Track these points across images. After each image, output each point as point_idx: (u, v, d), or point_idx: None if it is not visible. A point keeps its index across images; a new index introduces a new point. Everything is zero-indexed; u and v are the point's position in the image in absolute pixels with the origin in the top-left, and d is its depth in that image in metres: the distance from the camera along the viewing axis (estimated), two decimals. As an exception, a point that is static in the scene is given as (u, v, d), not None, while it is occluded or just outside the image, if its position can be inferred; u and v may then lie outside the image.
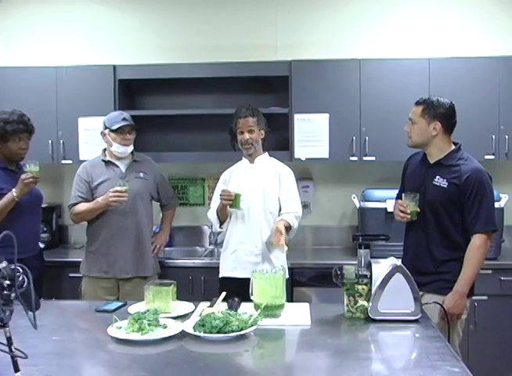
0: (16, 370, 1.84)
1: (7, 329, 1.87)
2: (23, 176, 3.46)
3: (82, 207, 3.72)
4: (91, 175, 3.77)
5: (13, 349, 1.85)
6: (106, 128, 3.75)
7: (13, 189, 3.47)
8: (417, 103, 3.16)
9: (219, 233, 4.64)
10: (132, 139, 3.79)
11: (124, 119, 3.75)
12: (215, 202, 3.65)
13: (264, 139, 3.72)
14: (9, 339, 1.86)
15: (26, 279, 1.96)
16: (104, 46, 4.91)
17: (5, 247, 1.90)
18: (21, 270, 1.96)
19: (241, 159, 3.76)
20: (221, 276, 3.69)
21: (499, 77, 4.22)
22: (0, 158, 3.63)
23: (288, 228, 3.46)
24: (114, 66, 4.52)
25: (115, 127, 3.70)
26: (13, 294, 1.92)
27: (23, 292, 1.94)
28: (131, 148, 3.79)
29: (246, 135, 3.61)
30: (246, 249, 3.60)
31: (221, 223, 3.70)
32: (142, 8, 4.88)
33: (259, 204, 3.60)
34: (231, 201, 3.48)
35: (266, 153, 3.76)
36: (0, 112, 3.63)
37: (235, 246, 3.64)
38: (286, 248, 3.37)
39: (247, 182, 3.64)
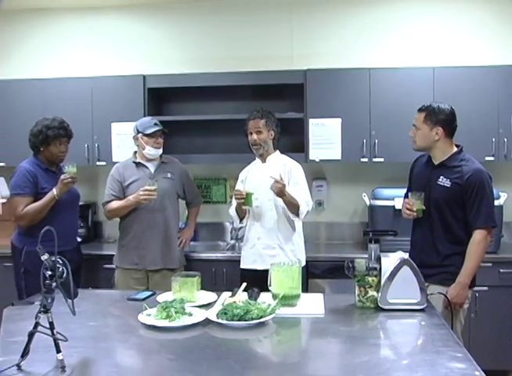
0: (58, 351, 1.88)
1: (49, 315, 1.91)
2: (62, 177, 3.50)
3: (115, 204, 3.75)
4: (123, 176, 3.79)
5: (55, 333, 1.90)
6: (138, 132, 3.76)
7: (54, 189, 3.52)
8: (420, 110, 3.15)
9: (240, 228, 4.66)
10: (162, 143, 3.81)
11: (156, 124, 3.77)
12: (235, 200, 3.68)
13: (275, 139, 3.71)
14: (51, 324, 1.90)
15: (65, 270, 2.00)
16: (134, 58, 4.93)
17: (47, 241, 1.95)
18: (61, 262, 2.00)
19: (255, 159, 3.78)
20: (241, 267, 3.72)
21: (497, 85, 4.19)
22: (42, 160, 3.68)
23: (296, 207, 3.50)
24: (144, 76, 4.56)
25: (148, 131, 3.72)
26: (54, 284, 1.96)
27: (63, 282, 1.98)
28: (161, 150, 3.82)
29: (254, 136, 3.63)
30: (264, 244, 3.61)
31: (241, 219, 3.73)
32: (169, 23, 4.92)
33: (271, 201, 3.60)
34: (243, 200, 3.50)
35: (277, 152, 3.76)
36: (43, 119, 3.68)
37: (253, 241, 3.66)
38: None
39: (260, 181, 3.64)
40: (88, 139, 4.54)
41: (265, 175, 3.64)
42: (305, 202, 3.57)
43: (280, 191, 3.43)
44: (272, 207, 3.61)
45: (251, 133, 3.64)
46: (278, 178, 3.42)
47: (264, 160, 3.72)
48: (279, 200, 3.55)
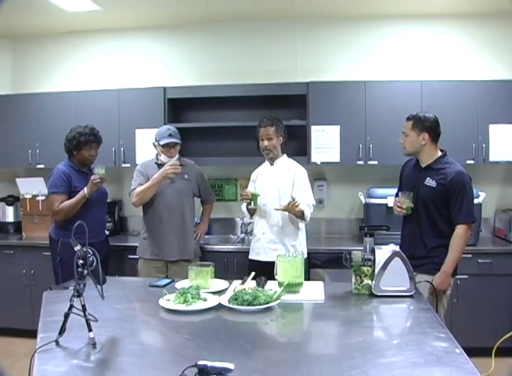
0: (90, 330, 1.92)
1: (82, 298, 1.94)
2: (92, 177, 3.52)
3: (141, 187, 3.66)
4: (146, 172, 3.76)
5: (87, 314, 1.93)
6: (156, 140, 3.77)
7: (85, 188, 3.55)
8: (408, 119, 3.15)
9: (249, 223, 4.67)
10: (176, 152, 3.76)
11: (170, 135, 3.70)
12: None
13: (283, 143, 3.69)
14: (83, 306, 1.93)
15: (95, 259, 2.03)
16: (156, 72, 4.96)
17: (79, 234, 1.98)
18: (91, 252, 2.03)
19: (265, 161, 3.78)
20: (249, 258, 3.72)
21: (477, 97, 4.18)
22: (75, 163, 3.71)
23: (301, 214, 3.47)
24: (164, 88, 4.58)
25: (161, 143, 3.70)
26: (85, 271, 1.99)
27: (93, 270, 2.02)
28: (175, 158, 3.77)
29: (266, 142, 3.61)
30: (268, 238, 3.61)
31: (251, 215, 3.72)
32: (186, 42, 4.94)
33: (276, 201, 3.58)
34: (249, 200, 3.50)
35: (285, 155, 3.73)
36: (76, 126, 3.71)
37: (259, 235, 3.65)
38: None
39: (267, 183, 3.64)
40: (114, 144, 4.56)
41: (273, 177, 3.65)
42: (308, 205, 3.52)
43: (294, 212, 3.44)
44: (276, 206, 3.57)
45: (262, 140, 3.62)
46: (288, 204, 3.42)
47: (272, 164, 3.71)
48: (284, 200, 3.53)
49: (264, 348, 2.00)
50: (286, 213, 3.55)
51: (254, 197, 3.50)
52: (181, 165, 3.84)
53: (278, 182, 3.62)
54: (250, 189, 3.68)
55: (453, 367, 1.72)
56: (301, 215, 3.50)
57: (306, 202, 3.53)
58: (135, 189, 3.72)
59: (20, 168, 5.06)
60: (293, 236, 3.62)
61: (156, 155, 3.87)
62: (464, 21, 4.60)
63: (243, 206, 3.75)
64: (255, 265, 3.55)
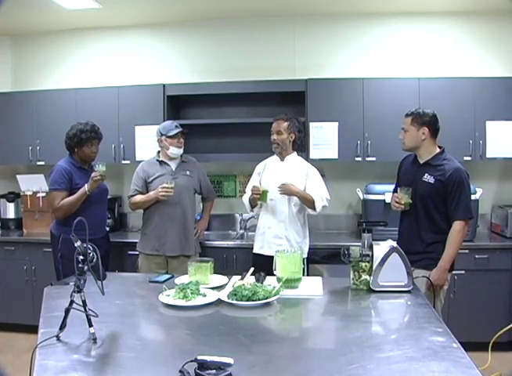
0: (90, 325, 1.91)
1: (82, 294, 1.94)
2: (92, 174, 3.52)
3: (138, 198, 3.76)
4: (147, 173, 3.78)
5: (87, 309, 1.93)
6: (161, 135, 3.76)
7: (85, 185, 3.54)
8: (407, 115, 3.16)
9: (248, 219, 4.68)
10: (183, 142, 3.80)
11: (176, 126, 3.76)
12: (249, 188, 3.65)
13: (295, 141, 3.67)
14: (84, 302, 1.93)
15: (95, 255, 2.03)
16: (155, 69, 4.96)
17: (80, 230, 1.97)
18: (91, 248, 2.02)
19: (272, 154, 3.75)
20: (253, 252, 3.72)
21: (474, 94, 4.19)
22: (76, 159, 3.70)
23: (311, 202, 3.52)
24: (163, 85, 4.57)
25: (171, 134, 3.71)
26: (86, 267, 1.99)
27: (93, 265, 2.01)
28: (182, 150, 3.79)
29: (274, 136, 3.62)
30: (273, 233, 3.61)
31: (253, 207, 3.72)
32: (186, 39, 4.93)
33: (285, 197, 3.58)
34: (259, 195, 3.50)
35: (295, 153, 3.72)
36: (77, 123, 3.70)
37: (264, 229, 3.65)
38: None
39: (276, 178, 3.61)
40: (114, 141, 4.56)
41: (283, 172, 3.63)
42: (321, 198, 3.55)
43: (288, 192, 3.48)
44: (285, 202, 3.59)
45: (272, 133, 3.64)
46: (282, 183, 3.45)
47: (282, 159, 3.69)
48: (293, 197, 3.55)
49: (263, 343, 1.99)
50: (293, 208, 3.58)
51: (264, 193, 3.50)
52: (183, 162, 3.85)
53: (288, 178, 3.59)
54: (255, 180, 3.69)
55: (450, 362, 1.72)
56: (311, 205, 3.53)
57: (320, 195, 3.55)
58: (132, 196, 3.81)
59: (21, 165, 5.06)
60: (298, 232, 3.63)
61: (158, 153, 3.87)
62: (461, 18, 4.60)
63: (245, 197, 3.75)
64: (258, 259, 3.56)
